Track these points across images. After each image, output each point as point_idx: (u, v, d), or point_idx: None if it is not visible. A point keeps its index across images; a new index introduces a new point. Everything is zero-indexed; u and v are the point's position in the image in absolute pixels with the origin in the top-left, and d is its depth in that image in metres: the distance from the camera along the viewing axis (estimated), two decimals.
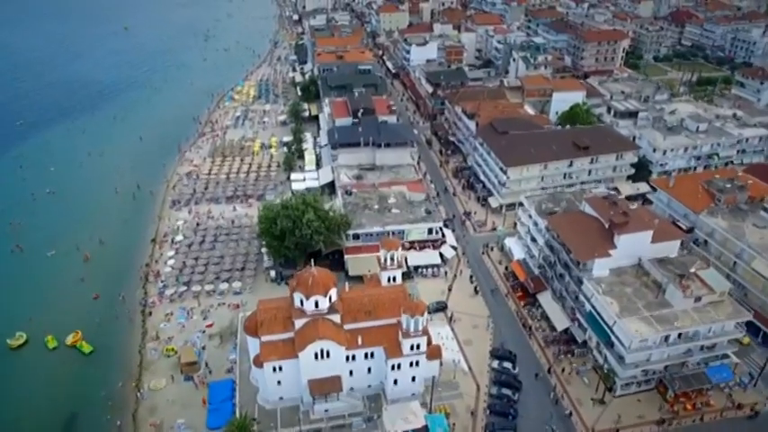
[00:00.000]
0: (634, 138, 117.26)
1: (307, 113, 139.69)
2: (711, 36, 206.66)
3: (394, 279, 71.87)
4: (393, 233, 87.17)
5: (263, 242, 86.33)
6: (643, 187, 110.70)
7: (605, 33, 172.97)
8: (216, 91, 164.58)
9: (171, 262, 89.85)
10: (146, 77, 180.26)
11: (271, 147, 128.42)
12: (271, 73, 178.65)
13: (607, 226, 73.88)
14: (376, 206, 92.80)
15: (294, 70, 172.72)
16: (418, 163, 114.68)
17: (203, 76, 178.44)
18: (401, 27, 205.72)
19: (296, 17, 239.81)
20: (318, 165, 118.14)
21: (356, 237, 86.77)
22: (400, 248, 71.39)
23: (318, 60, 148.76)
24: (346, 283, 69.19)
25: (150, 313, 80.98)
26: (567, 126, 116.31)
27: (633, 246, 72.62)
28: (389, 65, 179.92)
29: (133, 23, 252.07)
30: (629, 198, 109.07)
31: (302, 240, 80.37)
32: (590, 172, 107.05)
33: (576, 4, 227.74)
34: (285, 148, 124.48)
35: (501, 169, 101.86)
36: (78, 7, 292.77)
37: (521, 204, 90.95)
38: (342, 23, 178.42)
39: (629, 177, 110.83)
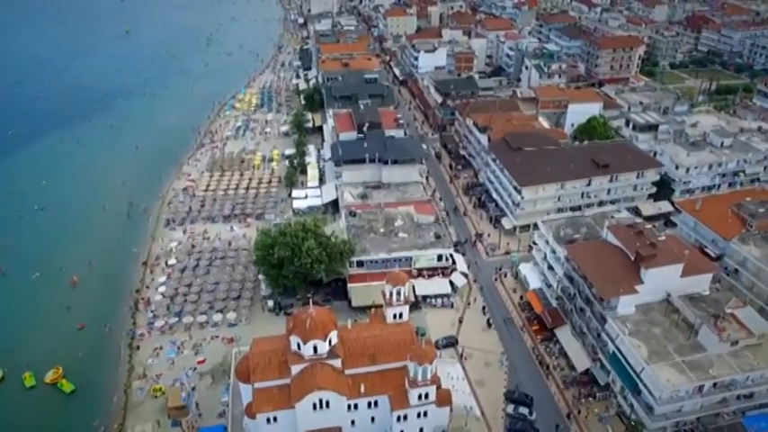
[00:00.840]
0: (655, 153, 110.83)
1: (310, 124, 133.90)
2: (729, 42, 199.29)
3: (400, 316, 66.02)
4: (400, 260, 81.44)
5: (260, 270, 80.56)
6: (665, 206, 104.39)
7: (621, 40, 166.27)
8: (217, 99, 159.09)
9: (162, 289, 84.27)
10: (145, 84, 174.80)
11: (272, 160, 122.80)
12: (274, 79, 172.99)
13: (633, 258, 67.71)
14: (382, 229, 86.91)
15: (298, 77, 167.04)
16: (427, 179, 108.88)
17: (204, 82, 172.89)
18: (409, 32, 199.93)
19: (301, 20, 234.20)
20: (322, 180, 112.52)
21: (360, 264, 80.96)
22: (407, 283, 65.47)
23: (323, 68, 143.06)
24: (348, 321, 63.29)
25: (138, 347, 75.41)
26: (585, 141, 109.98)
27: (661, 280, 66.47)
28: (396, 71, 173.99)
29: (135, 26, 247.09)
30: (651, 218, 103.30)
31: (301, 270, 74.58)
32: (609, 191, 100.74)
33: (588, 8, 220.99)
34: (287, 162, 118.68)
35: (515, 188, 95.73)
36: (79, 9, 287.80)
37: (536, 226, 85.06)
38: (347, 28, 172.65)
39: (650, 196, 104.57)
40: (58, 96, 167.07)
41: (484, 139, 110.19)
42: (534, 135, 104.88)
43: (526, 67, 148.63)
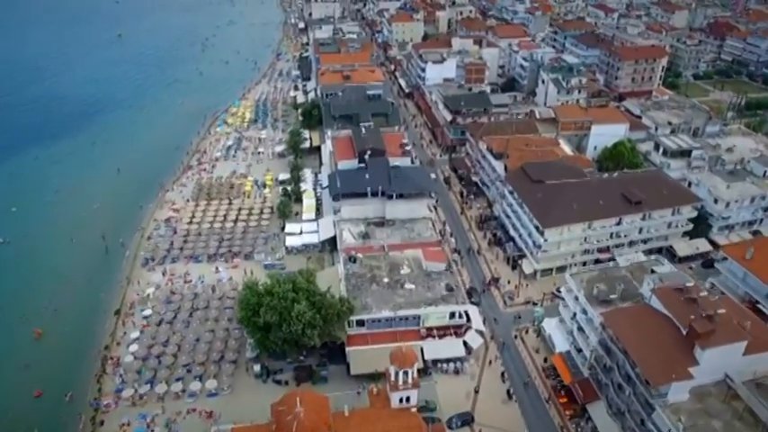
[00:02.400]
0: (689, 184, 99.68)
1: (308, 143, 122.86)
2: (756, 51, 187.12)
3: (408, 399, 55.48)
4: (407, 319, 70.57)
5: (245, 331, 69.76)
6: (702, 245, 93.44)
7: (643, 50, 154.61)
8: (209, 112, 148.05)
9: (134, 348, 73.48)
10: (135, 94, 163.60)
11: (265, 185, 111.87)
12: (270, 91, 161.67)
13: (685, 332, 56.59)
14: (386, 279, 75.92)
15: (296, 88, 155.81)
16: (435, 209, 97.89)
17: (197, 93, 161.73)
18: (415, 39, 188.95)
19: (301, 25, 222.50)
20: (319, 210, 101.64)
21: (361, 323, 70.04)
22: (416, 365, 54.78)
23: (322, 81, 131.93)
24: (346, 407, 52.58)
25: (102, 422, 64.82)
26: (611, 168, 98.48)
27: (720, 360, 55.32)
28: (402, 82, 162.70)
29: (128, 30, 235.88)
30: (687, 259, 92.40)
31: (292, 336, 63.70)
32: (641, 230, 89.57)
33: (605, 13, 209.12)
34: (281, 188, 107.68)
35: (536, 228, 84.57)
36: (70, 10, 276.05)
37: (560, 270, 74.09)
38: (349, 36, 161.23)
39: (685, 233, 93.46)
40: (40, 107, 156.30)
41: (499, 166, 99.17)
42: (557, 165, 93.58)
43: (542, 81, 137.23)
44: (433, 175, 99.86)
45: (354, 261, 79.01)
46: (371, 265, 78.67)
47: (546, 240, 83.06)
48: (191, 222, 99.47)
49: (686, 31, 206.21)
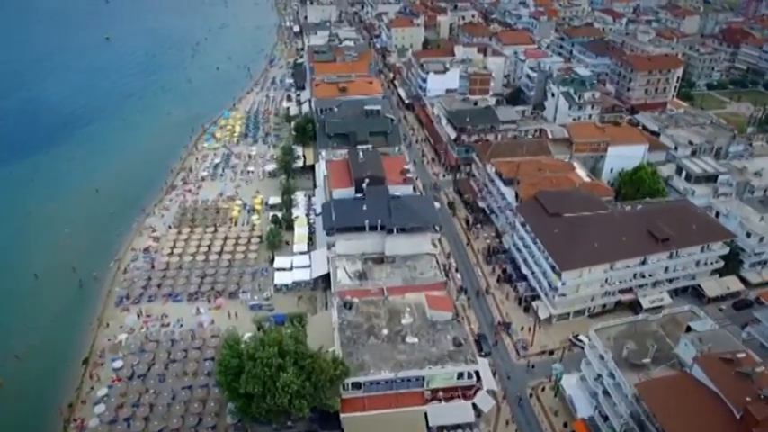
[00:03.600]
0: (717, 214, 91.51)
1: (300, 162, 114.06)
2: None
3: None
4: (409, 380, 62.04)
5: (225, 394, 61.12)
6: (733, 284, 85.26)
7: (657, 61, 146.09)
8: (197, 124, 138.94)
9: (100, 409, 64.84)
10: (120, 104, 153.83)
11: (254, 210, 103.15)
12: (262, 101, 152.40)
13: (739, 416, 48.26)
14: (385, 330, 67.19)
15: (289, 99, 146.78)
16: (439, 240, 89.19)
17: (185, 103, 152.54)
18: (415, 44, 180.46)
19: (296, 29, 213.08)
20: (311, 240, 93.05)
21: (357, 386, 61.39)
22: None
23: (316, 94, 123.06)
24: None
25: None
26: (638, 205, 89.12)
27: None
28: (402, 92, 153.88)
29: (117, 33, 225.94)
30: (717, 299, 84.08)
31: (277, 408, 55.08)
32: (667, 268, 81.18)
33: (613, 19, 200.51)
34: (271, 213, 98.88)
35: (553, 268, 76.13)
36: (58, 11, 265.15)
37: (578, 314, 65.68)
38: (346, 43, 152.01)
39: (714, 270, 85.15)
40: (22, 118, 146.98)
41: (510, 194, 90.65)
42: (574, 195, 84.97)
43: (552, 94, 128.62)
44: (437, 204, 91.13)
45: (350, 308, 70.27)
46: (369, 313, 69.95)
47: (564, 284, 74.57)
48: (171, 253, 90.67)
49: (698, 38, 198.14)
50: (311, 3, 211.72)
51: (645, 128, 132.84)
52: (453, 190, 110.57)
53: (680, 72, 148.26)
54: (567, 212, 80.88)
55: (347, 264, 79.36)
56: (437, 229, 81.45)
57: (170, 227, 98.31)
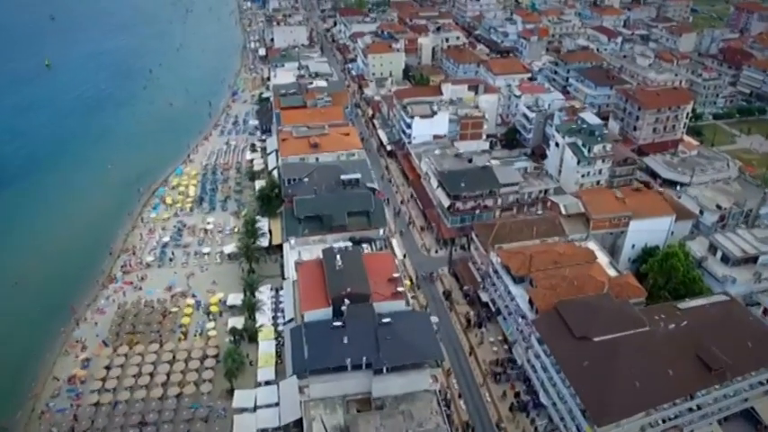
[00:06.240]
0: (766, 310, 76.58)
1: (266, 239, 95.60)
2: None
3: None
4: None
5: None
6: None
7: (666, 96, 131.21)
8: (143, 183, 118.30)
9: None
10: (51, 155, 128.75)
11: (210, 309, 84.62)
12: (222, 149, 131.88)
13: None
14: None
15: (254, 148, 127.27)
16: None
17: (131, 152, 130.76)
18: (395, 72, 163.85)
19: (262, 51, 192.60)
20: (280, 357, 75.14)
21: None
22: None
23: (284, 153, 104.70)
24: None
25: None
26: (682, 321, 71.67)
27: None
28: (382, 135, 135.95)
29: (60, 57, 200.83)
30: None
31: None
32: (717, 398, 65.63)
33: (608, 38, 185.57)
34: (230, 322, 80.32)
35: (584, 414, 59.78)
36: None
37: None
38: (317, 83, 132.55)
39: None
40: None
41: (521, 296, 74.31)
42: (603, 305, 68.50)
43: (557, 144, 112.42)
44: (435, 319, 73.82)
45: None
46: None
47: None
48: (103, 386, 71.59)
49: (695, 56, 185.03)
50: (278, 24, 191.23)
51: (654, 174, 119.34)
52: (449, 272, 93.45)
53: (690, 108, 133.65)
54: (598, 334, 64.65)
55: (325, 412, 61.92)
56: (439, 363, 64.46)
57: (104, 342, 79.05)
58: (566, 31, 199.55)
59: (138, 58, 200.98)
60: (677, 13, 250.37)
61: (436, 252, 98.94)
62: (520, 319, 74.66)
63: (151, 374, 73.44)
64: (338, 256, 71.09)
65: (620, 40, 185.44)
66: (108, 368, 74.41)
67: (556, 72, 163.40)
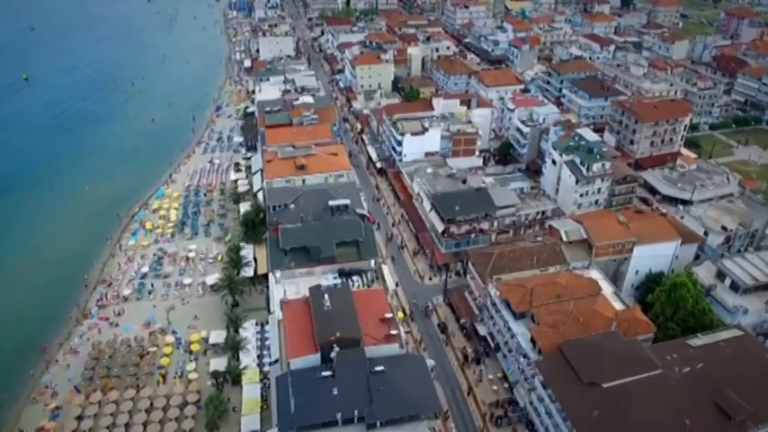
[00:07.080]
0: None
1: (251, 268, 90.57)
2: None
3: None
4: None
5: None
6: None
7: (664, 109, 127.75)
8: (122, 207, 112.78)
9: None
10: (24, 177, 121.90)
11: (191, 347, 79.33)
12: (205, 168, 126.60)
13: None
14: None
15: (238, 168, 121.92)
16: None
17: (110, 172, 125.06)
18: (384, 84, 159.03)
19: (247, 63, 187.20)
20: (266, 402, 70.06)
21: None
22: None
23: (269, 175, 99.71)
24: None
25: None
26: (697, 363, 67.20)
27: None
28: (372, 152, 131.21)
29: (39, 70, 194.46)
30: None
31: None
32: None
33: (600, 47, 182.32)
34: (212, 364, 75.11)
35: None
36: None
37: None
38: (303, 99, 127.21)
39: None
40: None
41: (523, 334, 69.71)
42: (611, 345, 64.24)
43: (553, 162, 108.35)
44: (431, 362, 68.92)
45: None
46: None
47: None
48: None
49: (688, 64, 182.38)
50: (263, 35, 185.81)
51: (653, 190, 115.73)
52: (444, 302, 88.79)
53: (687, 120, 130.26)
54: (607, 379, 60.20)
55: None
56: (437, 415, 59.65)
57: (76, 388, 73.47)
58: (557, 39, 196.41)
59: (120, 69, 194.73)
60: (667, 19, 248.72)
61: (430, 279, 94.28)
62: (521, 359, 70.14)
63: (126, 425, 67.96)
64: (326, 296, 66.28)
65: (612, 48, 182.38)
66: (80, 418, 68.81)
67: (548, 82, 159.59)
